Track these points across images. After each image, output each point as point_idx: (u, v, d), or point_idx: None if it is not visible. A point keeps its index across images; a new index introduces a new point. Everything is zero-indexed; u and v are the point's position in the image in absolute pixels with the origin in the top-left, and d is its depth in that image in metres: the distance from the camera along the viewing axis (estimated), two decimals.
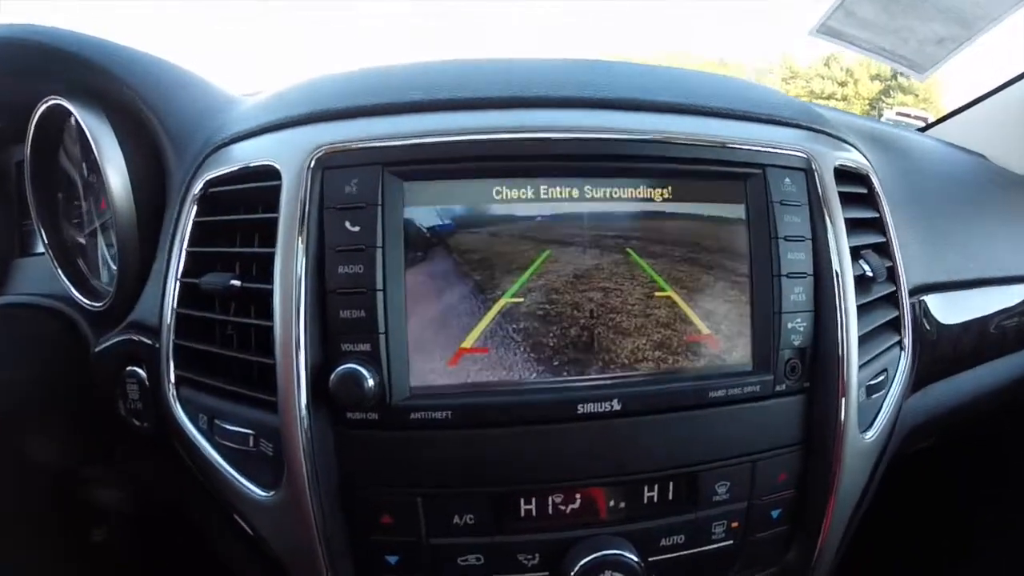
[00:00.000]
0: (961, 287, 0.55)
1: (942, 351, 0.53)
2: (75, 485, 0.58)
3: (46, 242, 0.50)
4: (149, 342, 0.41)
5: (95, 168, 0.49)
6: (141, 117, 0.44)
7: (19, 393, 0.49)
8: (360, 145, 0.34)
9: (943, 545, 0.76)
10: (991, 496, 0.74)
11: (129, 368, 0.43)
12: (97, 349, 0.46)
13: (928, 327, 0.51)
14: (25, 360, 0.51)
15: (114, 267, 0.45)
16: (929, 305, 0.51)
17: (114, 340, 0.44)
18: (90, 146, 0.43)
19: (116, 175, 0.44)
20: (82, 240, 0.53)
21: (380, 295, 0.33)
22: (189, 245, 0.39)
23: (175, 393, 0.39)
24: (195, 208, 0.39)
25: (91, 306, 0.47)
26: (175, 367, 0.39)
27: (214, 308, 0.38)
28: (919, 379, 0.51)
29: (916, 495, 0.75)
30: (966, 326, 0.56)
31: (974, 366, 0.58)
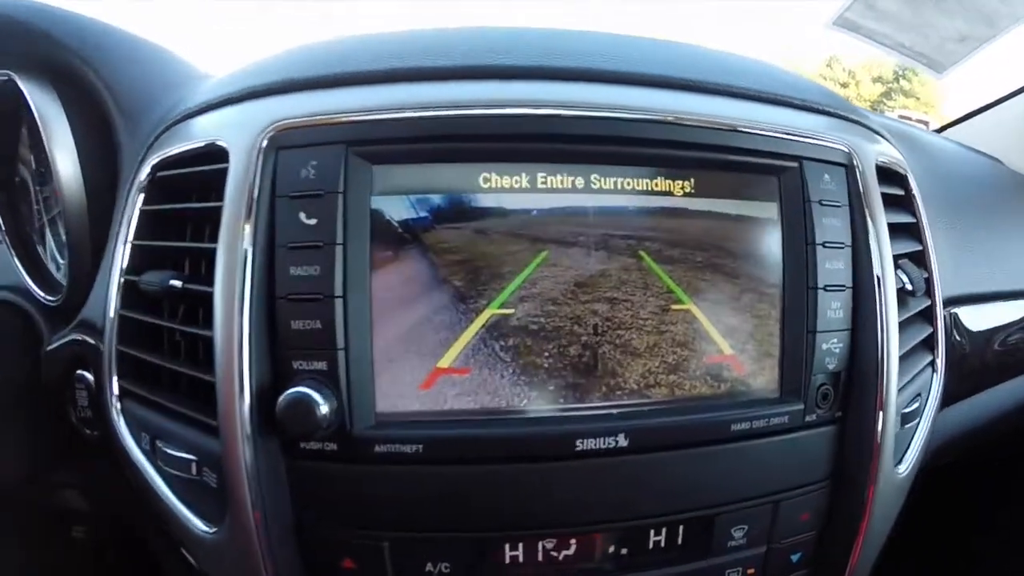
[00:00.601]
0: (989, 299, 0.47)
1: (969, 367, 0.45)
2: (45, 488, 0.50)
3: (3, 229, 0.42)
4: (96, 345, 0.33)
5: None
6: (92, 92, 0.36)
7: None
8: (320, 120, 0.26)
9: (958, 564, 0.69)
10: (1007, 516, 0.66)
11: (79, 372, 0.35)
12: (48, 348, 0.38)
13: (957, 342, 0.43)
14: None
15: (63, 259, 0.38)
16: (962, 319, 0.44)
17: (64, 340, 0.36)
18: (35, 123, 0.35)
19: (65, 156, 0.36)
20: (43, 228, 0.45)
21: (339, 303, 0.25)
22: (134, 237, 0.31)
23: (118, 407, 0.31)
24: (141, 195, 0.31)
25: (46, 300, 0.39)
26: (118, 377, 0.31)
27: (160, 311, 0.30)
28: (944, 399, 0.43)
29: (929, 513, 0.68)
30: (991, 340, 0.48)
31: (998, 383, 0.50)
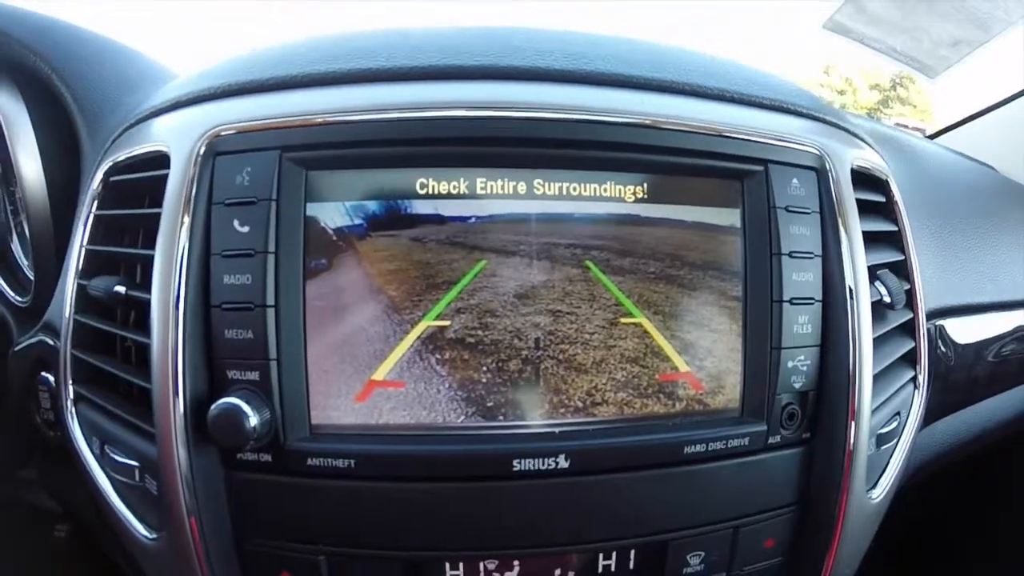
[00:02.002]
0: (976, 311, 0.43)
1: (954, 382, 0.42)
2: (26, 485, 0.49)
3: None
4: (56, 347, 0.32)
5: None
6: (55, 93, 0.34)
7: None
8: (254, 126, 0.24)
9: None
10: (986, 525, 0.62)
11: (42, 374, 0.34)
12: (15, 349, 0.37)
13: (943, 355, 0.40)
14: None
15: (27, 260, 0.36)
16: (947, 332, 0.40)
17: (30, 341, 0.35)
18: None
19: (28, 158, 0.34)
20: (16, 228, 0.43)
21: (271, 312, 0.23)
22: (88, 242, 0.29)
23: (73, 411, 0.30)
24: (95, 200, 0.29)
25: (15, 300, 0.37)
26: (72, 381, 0.30)
27: (112, 317, 0.29)
28: (927, 415, 0.39)
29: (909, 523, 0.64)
30: (979, 353, 0.44)
31: (984, 398, 0.46)
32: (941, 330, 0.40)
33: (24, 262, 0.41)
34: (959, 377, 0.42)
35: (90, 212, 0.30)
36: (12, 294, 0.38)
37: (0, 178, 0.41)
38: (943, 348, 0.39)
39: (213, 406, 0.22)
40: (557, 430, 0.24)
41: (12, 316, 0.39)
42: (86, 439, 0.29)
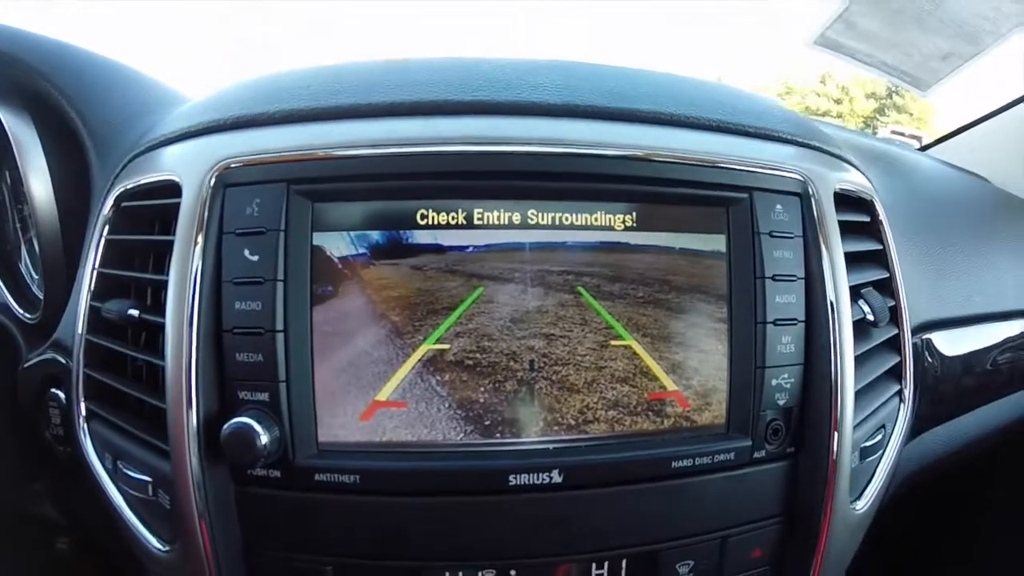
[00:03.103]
0: (964, 323, 0.45)
1: (942, 394, 0.43)
2: (31, 498, 0.51)
3: None
4: (67, 364, 0.33)
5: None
6: (65, 118, 0.36)
7: None
8: (262, 159, 0.26)
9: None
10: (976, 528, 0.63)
11: (52, 390, 0.35)
12: (24, 366, 0.38)
13: (928, 369, 0.41)
14: None
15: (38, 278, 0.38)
16: (934, 345, 0.42)
17: (39, 359, 0.37)
18: (9, 147, 0.36)
19: (39, 181, 0.36)
20: (22, 246, 0.45)
21: (280, 337, 0.25)
22: (100, 265, 0.31)
23: (85, 428, 0.31)
24: (106, 225, 0.31)
25: (24, 317, 0.39)
26: (85, 399, 0.31)
27: (124, 337, 0.31)
28: (916, 426, 0.41)
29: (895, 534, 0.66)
30: (968, 364, 0.46)
31: (973, 408, 0.48)
32: (928, 343, 0.41)
33: (32, 280, 0.43)
34: (948, 388, 0.44)
35: (101, 236, 0.31)
36: (21, 311, 0.39)
37: (10, 198, 0.43)
38: (930, 360, 0.41)
39: (226, 425, 0.24)
40: (551, 447, 0.26)
41: (20, 332, 0.41)
42: (98, 455, 0.31)
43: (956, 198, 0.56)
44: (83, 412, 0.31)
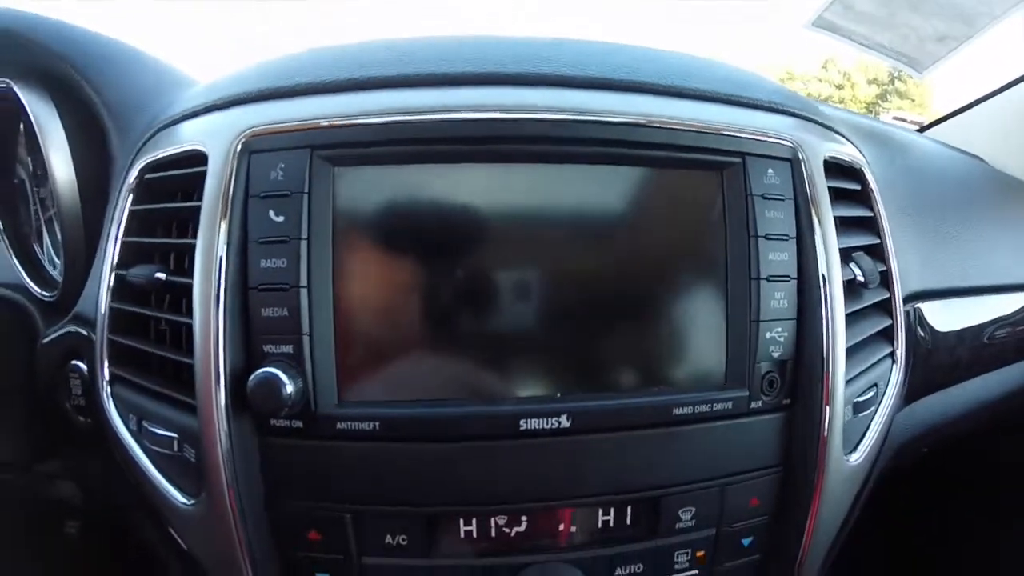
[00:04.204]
0: (959, 294, 0.48)
1: (936, 362, 0.46)
2: (42, 479, 0.53)
3: (1, 229, 0.45)
4: (89, 336, 0.36)
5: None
6: (85, 99, 0.39)
7: None
8: (287, 127, 0.28)
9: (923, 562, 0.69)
10: (973, 514, 0.66)
11: (73, 362, 0.38)
12: (44, 341, 0.41)
13: (922, 337, 0.44)
14: None
15: (59, 257, 0.40)
16: (928, 314, 0.44)
17: (59, 332, 0.39)
18: (31, 128, 0.38)
19: (60, 159, 0.38)
20: (40, 227, 0.48)
21: (304, 292, 0.27)
22: (124, 235, 0.34)
23: (108, 391, 0.34)
24: (130, 196, 0.34)
25: (42, 295, 0.42)
26: (109, 364, 0.34)
27: (147, 303, 0.33)
28: (910, 392, 0.44)
29: (898, 510, 0.68)
30: (962, 336, 0.49)
31: (969, 378, 0.50)
32: (922, 312, 0.44)
33: (47, 261, 0.45)
34: (941, 358, 0.46)
35: (125, 207, 0.34)
36: (39, 290, 0.42)
37: (29, 183, 0.45)
38: (924, 329, 0.44)
39: (252, 376, 0.27)
40: (559, 394, 0.28)
41: (38, 311, 0.43)
42: (122, 417, 0.34)
43: (952, 177, 0.59)
44: (106, 376, 0.34)
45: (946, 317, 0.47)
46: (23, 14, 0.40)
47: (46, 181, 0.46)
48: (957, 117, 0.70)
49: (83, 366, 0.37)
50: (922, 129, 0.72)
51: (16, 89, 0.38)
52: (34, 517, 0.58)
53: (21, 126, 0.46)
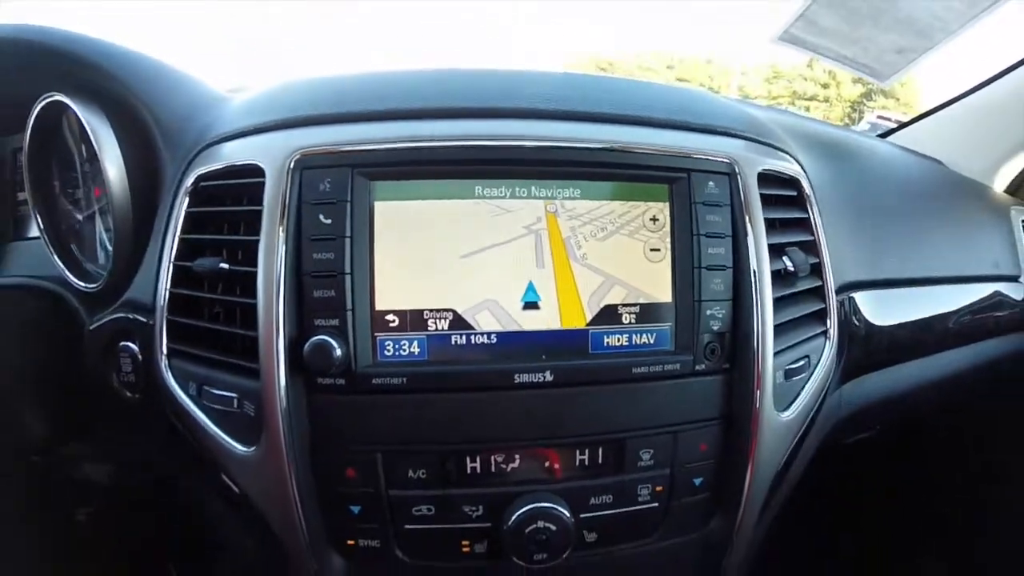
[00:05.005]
0: (897, 285, 0.64)
1: (877, 344, 0.62)
2: (61, 462, 0.65)
3: (41, 226, 0.58)
4: (143, 319, 0.49)
5: (91, 158, 0.57)
6: (135, 112, 0.52)
7: (10, 370, 0.57)
8: (333, 150, 0.43)
9: (881, 532, 0.85)
10: (926, 488, 0.83)
11: (123, 343, 0.51)
12: (92, 326, 0.54)
13: (860, 322, 0.60)
14: (16, 338, 0.58)
15: (110, 250, 0.53)
16: (863, 301, 0.60)
17: (110, 318, 0.52)
18: (88, 138, 0.51)
19: (113, 167, 0.51)
20: (76, 225, 0.61)
21: (348, 278, 0.41)
22: (182, 233, 0.47)
23: (167, 363, 0.47)
24: (187, 200, 0.47)
25: (85, 287, 0.55)
26: (167, 340, 0.47)
27: (203, 289, 0.47)
28: (852, 369, 0.59)
29: (860, 483, 0.84)
30: (904, 322, 0.65)
31: (911, 360, 0.66)
32: (858, 300, 0.60)
33: (84, 257, 0.58)
34: (881, 340, 0.62)
35: (182, 210, 0.47)
36: (81, 283, 0.55)
37: (61, 188, 0.58)
38: (857, 315, 0.59)
39: (308, 342, 0.41)
40: (544, 357, 0.43)
41: (80, 302, 0.56)
42: (180, 385, 0.47)
43: (902, 178, 0.75)
44: (165, 351, 0.47)
45: (889, 306, 0.63)
46: (75, 35, 0.53)
47: (86, 182, 0.59)
48: (920, 122, 0.87)
49: (133, 346, 0.50)
50: (885, 134, 0.89)
51: (73, 105, 0.51)
52: (44, 506, 0.70)
53: (57, 137, 0.59)
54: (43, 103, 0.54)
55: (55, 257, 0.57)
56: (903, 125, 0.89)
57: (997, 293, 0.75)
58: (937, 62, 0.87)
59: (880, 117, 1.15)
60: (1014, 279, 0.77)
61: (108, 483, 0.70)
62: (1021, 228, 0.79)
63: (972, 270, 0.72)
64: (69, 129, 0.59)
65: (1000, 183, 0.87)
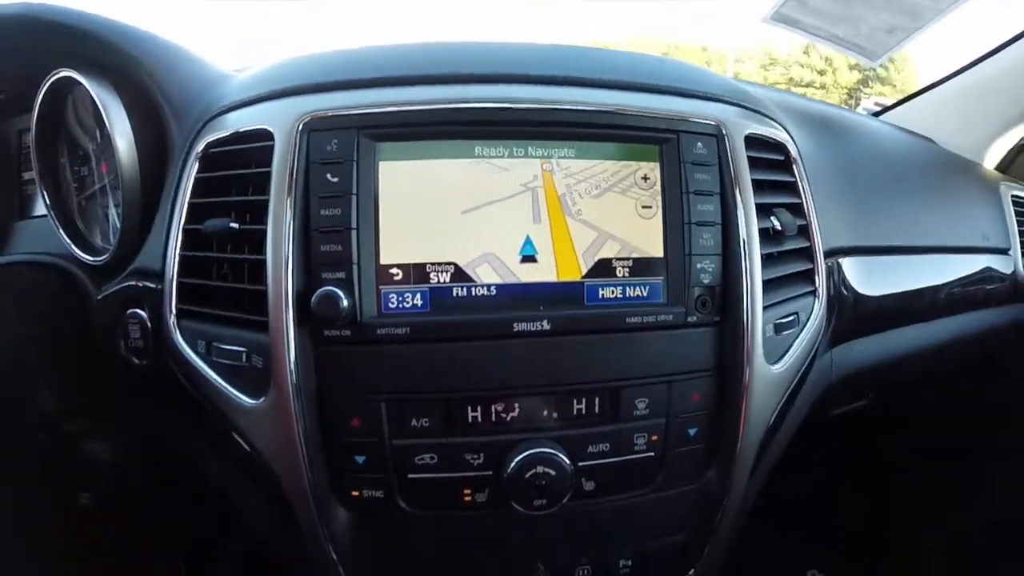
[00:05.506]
0: (885, 252, 0.67)
1: (866, 310, 0.65)
2: (68, 440, 0.68)
3: (48, 203, 0.61)
4: (152, 285, 0.52)
5: (99, 134, 0.60)
6: (145, 88, 0.55)
7: (20, 346, 0.60)
8: (339, 113, 0.46)
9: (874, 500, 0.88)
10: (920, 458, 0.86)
11: (131, 311, 0.54)
12: (100, 296, 0.56)
13: (848, 289, 0.63)
14: (26, 314, 0.61)
15: (118, 223, 0.56)
16: (851, 267, 0.63)
17: (118, 287, 0.55)
18: (97, 114, 0.54)
19: (123, 141, 0.55)
20: (82, 202, 0.64)
21: (354, 233, 0.45)
22: (192, 198, 0.50)
23: (176, 323, 0.50)
24: (197, 165, 0.50)
25: (92, 261, 0.58)
26: (177, 302, 0.50)
27: (212, 250, 0.50)
28: (842, 333, 0.63)
29: (858, 453, 0.87)
30: (894, 292, 0.68)
31: (901, 326, 0.69)
32: (848, 265, 0.63)
33: (90, 232, 0.61)
34: (870, 305, 0.65)
35: (191, 175, 0.50)
36: (88, 257, 0.58)
37: (69, 166, 0.61)
38: (848, 278, 0.62)
39: (317, 292, 0.43)
40: (542, 307, 0.46)
41: (87, 275, 0.59)
42: (188, 343, 0.50)
43: (893, 153, 0.79)
44: (174, 311, 0.50)
45: (880, 272, 0.66)
46: (85, 13, 0.56)
47: (92, 159, 0.62)
48: (911, 101, 0.91)
49: (142, 312, 0.53)
50: (878, 113, 0.93)
51: (82, 78, 0.55)
52: (47, 491, 0.72)
53: (64, 114, 0.62)
54: (53, 79, 0.57)
55: (61, 231, 0.60)
56: (895, 104, 0.93)
57: (987, 267, 0.78)
58: (929, 45, 0.91)
59: (877, 104, 1.18)
60: (1003, 252, 0.80)
61: (114, 466, 0.72)
62: (1011, 202, 0.83)
63: (961, 241, 0.75)
64: (75, 108, 0.62)
65: (990, 161, 0.91)
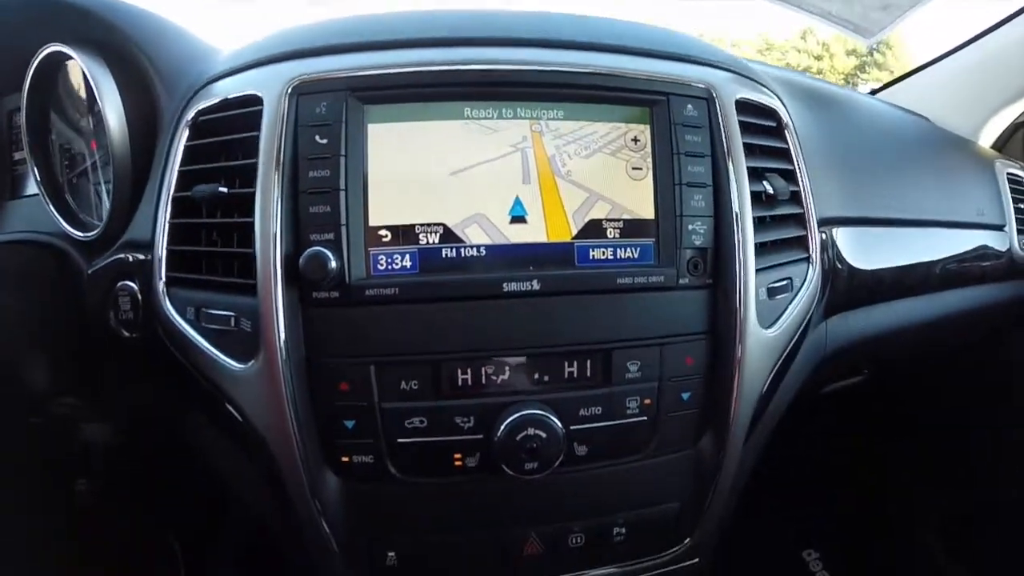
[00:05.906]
0: (879, 224, 0.68)
1: (861, 280, 0.65)
2: (61, 423, 0.68)
3: (39, 179, 0.62)
4: (142, 256, 0.53)
5: (89, 111, 0.61)
6: (136, 62, 0.56)
7: (11, 326, 0.60)
8: (328, 75, 0.47)
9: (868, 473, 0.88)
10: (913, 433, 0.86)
11: (121, 283, 0.54)
12: (91, 270, 0.57)
13: (841, 261, 0.63)
14: (16, 293, 0.62)
15: (106, 199, 0.57)
16: (845, 238, 0.64)
17: (108, 260, 0.56)
18: (88, 89, 0.55)
19: (114, 114, 0.55)
20: (72, 180, 0.64)
21: (343, 194, 0.45)
22: (181, 166, 0.51)
23: (165, 290, 0.51)
24: (186, 133, 0.51)
25: (83, 236, 0.58)
26: (167, 269, 0.50)
27: (201, 216, 0.50)
28: (837, 303, 0.63)
29: (855, 427, 0.87)
30: (889, 266, 0.69)
31: (897, 298, 0.70)
32: (842, 235, 0.63)
33: (79, 208, 0.62)
34: (864, 277, 0.66)
35: (181, 144, 0.51)
36: (79, 233, 0.58)
37: (58, 143, 0.62)
38: (841, 248, 0.63)
39: (305, 252, 0.44)
40: (531, 267, 0.47)
41: (77, 251, 0.60)
42: (178, 310, 0.50)
43: (888, 130, 0.80)
44: (163, 279, 0.50)
45: (874, 244, 0.67)
46: None
47: (82, 137, 0.63)
48: (907, 80, 0.92)
49: (132, 284, 0.54)
50: (874, 91, 0.94)
51: (76, 55, 0.55)
52: (42, 478, 0.72)
53: (55, 90, 0.62)
54: (44, 53, 0.58)
55: (51, 207, 0.60)
56: (889, 83, 0.94)
57: (983, 243, 0.79)
58: (926, 28, 0.92)
59: (874, 91, 1.20)
60: (999, 228, 0.81)
61: (109, 451, 0.72)
62: (1006, 180, 0.84)
63: (956, 216, 0.76)
64: (65, 84, 0.63)
65: (986, 139, 0.92)
